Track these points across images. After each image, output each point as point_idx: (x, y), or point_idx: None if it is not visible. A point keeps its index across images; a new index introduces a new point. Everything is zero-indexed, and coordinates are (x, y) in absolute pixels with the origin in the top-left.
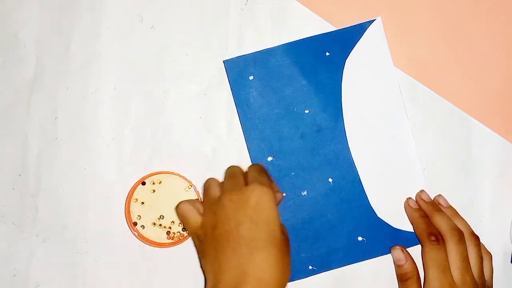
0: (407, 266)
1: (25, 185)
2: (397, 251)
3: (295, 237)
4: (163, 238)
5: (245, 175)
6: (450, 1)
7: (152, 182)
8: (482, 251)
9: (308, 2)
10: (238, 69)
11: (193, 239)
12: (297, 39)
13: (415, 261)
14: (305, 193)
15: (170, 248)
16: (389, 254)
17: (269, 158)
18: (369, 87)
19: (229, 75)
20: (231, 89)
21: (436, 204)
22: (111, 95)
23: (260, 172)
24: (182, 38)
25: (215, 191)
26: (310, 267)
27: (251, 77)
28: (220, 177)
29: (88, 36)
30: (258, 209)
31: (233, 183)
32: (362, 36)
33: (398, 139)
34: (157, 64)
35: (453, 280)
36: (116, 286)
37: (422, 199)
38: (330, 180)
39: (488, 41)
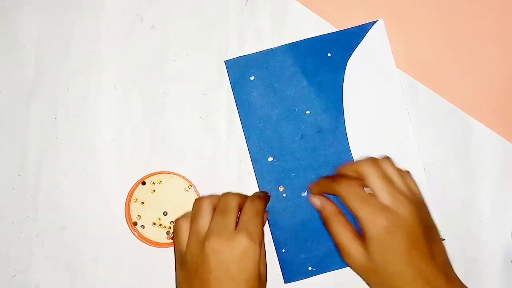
0: (327, 208)
1: (25, 185)
2: (313, 198)
3: (295, 238)
4: (163, 238)
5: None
6: (450, 2)
7: (152, 182)
8: (398, 169)
9: (308, 2)
10: (239, 69)
11: (176, 260)
12: (297, 39)
13: None
14: (305, 194)
15: (170, 248)
16: None
17: (270, 159)
18: (371, 88)
19: (230, 75)
20: (232, 89)
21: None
22: (111, 95)
23: (256, 215)
24: (182, 38)
25: (203, 224)
26: (310, 268)
27: (252, 77)
28: (220, 178)
29: (88, 36)
30: (241, 266)
31: (221, 225)
32: (364, 38)
33: (399, 141)
34: (157, 64)
35: (384, 204)
36: (116, 286)
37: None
38: None
39: (488, 41)
